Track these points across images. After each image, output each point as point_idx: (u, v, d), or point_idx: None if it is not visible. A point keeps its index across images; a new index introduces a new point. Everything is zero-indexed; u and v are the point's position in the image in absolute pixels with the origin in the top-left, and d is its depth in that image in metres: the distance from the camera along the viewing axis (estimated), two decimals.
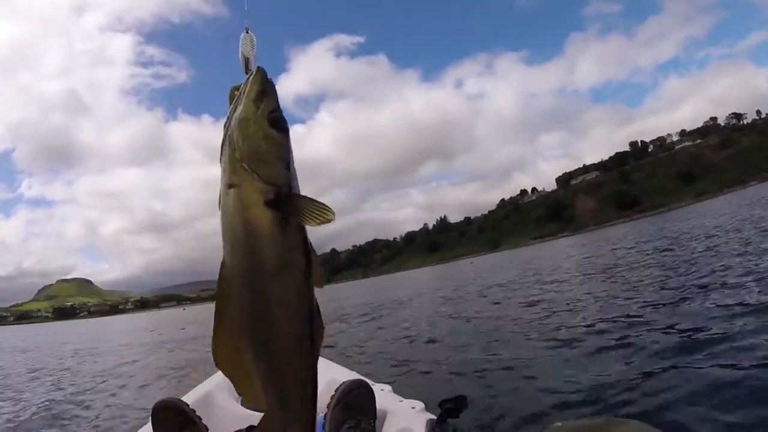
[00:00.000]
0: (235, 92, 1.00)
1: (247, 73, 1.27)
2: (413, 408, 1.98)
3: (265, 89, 0.97)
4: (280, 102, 1.08)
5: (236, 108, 0.96)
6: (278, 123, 0.96)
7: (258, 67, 1.02)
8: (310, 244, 0.99)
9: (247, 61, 1.42)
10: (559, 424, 0.78)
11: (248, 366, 0.96)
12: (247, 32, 1.43)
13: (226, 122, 0.97)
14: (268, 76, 1.01)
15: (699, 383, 3.48)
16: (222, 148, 0.97)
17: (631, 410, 3.35)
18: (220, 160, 0.97)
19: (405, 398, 2.10)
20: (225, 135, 0.96)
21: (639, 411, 3.28)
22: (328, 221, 0.92)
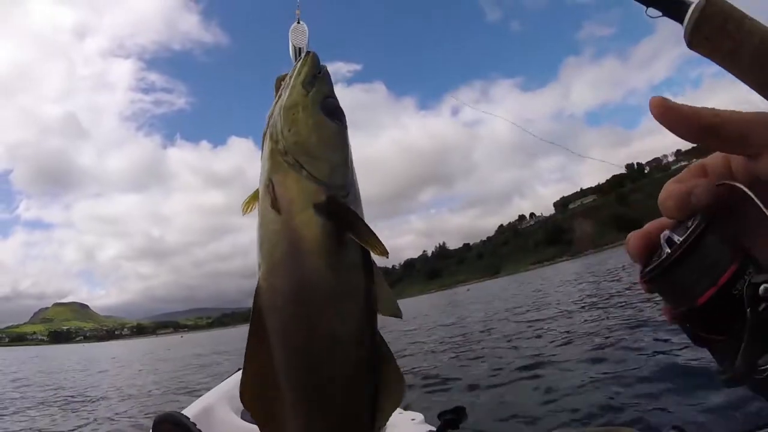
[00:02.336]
0: (282, 82, 0.80)
1: None
2: (413, 420, 1.97)
3: (319, 73, 0.79)
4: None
5: (281, 96, 0.76)
6: (335, 111, 0.77)
7: (309, 51, 0.84)
8: (374, 263, 0.73)
9: (298, 52, 1.20)
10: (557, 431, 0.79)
11: (285, 414, 0.71)
12: (298, 22, 1.27)
13: (269, 114, 0.77)
14: (321, 62, 0.81)
15: (693, 399, 3.50)
16: (263, 142, 0.76)
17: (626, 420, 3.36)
18: (261, 157, 0.76)
19: (405, 410, 2.10)
20: (266, 127, 0.76)
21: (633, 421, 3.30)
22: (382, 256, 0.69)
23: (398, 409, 2.07)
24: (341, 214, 0.69)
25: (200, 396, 2.51)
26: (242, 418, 2.27)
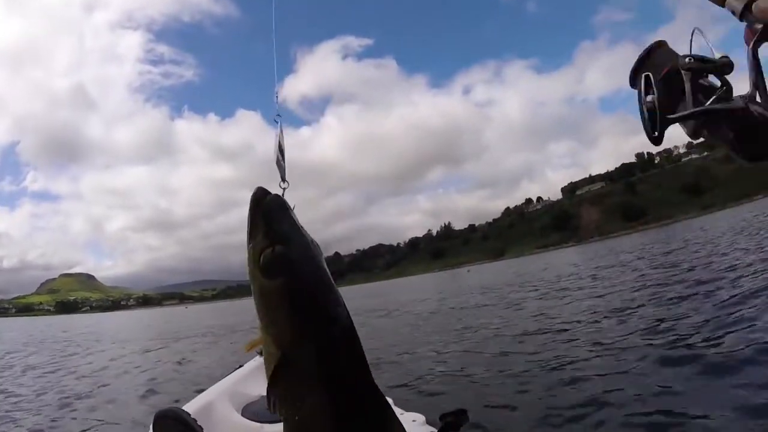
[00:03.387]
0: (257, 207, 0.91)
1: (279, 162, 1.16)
2: (414, 421, 1.97)
3: (256, 221, 0.89)
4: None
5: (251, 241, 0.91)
6: (270, 267, 0.85)
7: (255, 193, 0.91)
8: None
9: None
10: None
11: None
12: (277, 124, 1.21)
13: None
14: (262, 197, 0.90)
15: (692, 396, 3.51)
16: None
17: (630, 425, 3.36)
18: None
19: (406, 411, 2.09)
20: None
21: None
22: None
23: (399, 410, 2.06)
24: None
25: (201, 392, 2.52)
26: (242, 414, 2.27)
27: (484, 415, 4.00)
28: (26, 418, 6.33)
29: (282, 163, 1.15)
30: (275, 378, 0.84)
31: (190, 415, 1.80)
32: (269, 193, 0.92)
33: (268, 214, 0.87)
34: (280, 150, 1.17)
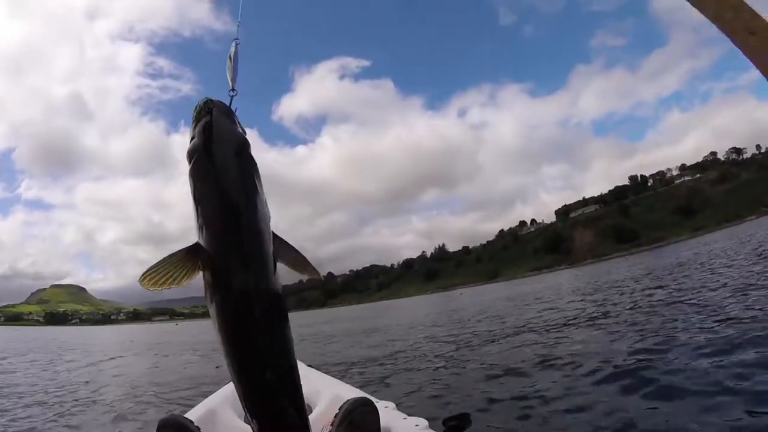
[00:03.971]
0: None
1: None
2: (417, 425, 1.97)
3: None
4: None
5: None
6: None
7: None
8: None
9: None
10: None
11: None
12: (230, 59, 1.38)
13: None
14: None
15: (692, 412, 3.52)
16: None
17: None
18: None
19: (409, 416, 2.09)
20: None
21: None
22: None
23: (402, 415, 2.07)
24: None
25: (203, 399, 2.52)
26: (245, 421, 2.28)
27: (489, 420, 3.99)
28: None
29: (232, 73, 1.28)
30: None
31: (193, 422, 1.81)
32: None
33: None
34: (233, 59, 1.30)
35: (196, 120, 1.02)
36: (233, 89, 1.21)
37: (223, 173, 0.96)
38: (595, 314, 10.47)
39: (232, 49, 1.30)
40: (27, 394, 8.82)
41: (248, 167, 1.01)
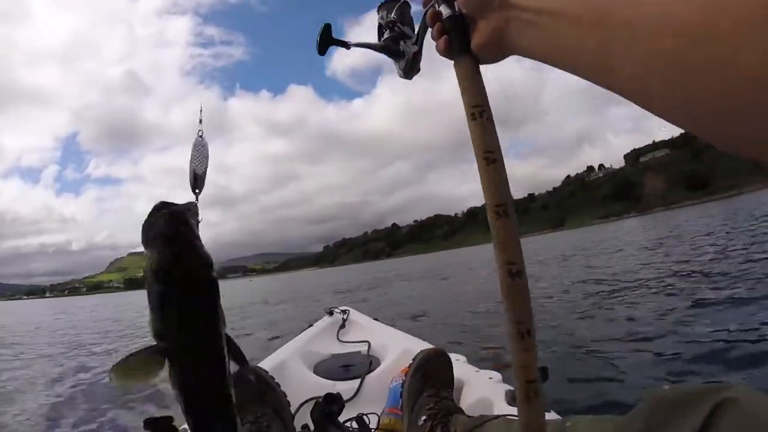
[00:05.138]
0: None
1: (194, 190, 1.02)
2: (490, 378, 1.91)
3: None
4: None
5: None
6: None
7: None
8: None
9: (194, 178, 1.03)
10: (666, 387, 0.72)
11: None
12: (200, 137, 1.10)
13: None
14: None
15: None
16: None
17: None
18: None
19: (481, 369, 2.03)
20: None
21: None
22: None
23: (474, 368, 2.01)
24: None
25: (274, 351, 2.56)
26: (314, 372, 2.30)
27: (568, 372, 3.89)
28: None
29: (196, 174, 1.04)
30: None
31: (267, 372, 1.82)
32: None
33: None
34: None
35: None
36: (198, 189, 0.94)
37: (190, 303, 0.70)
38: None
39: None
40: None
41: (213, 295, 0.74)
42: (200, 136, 1.09)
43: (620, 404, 3.12)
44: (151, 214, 0.69)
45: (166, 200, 0.70)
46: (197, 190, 0.99)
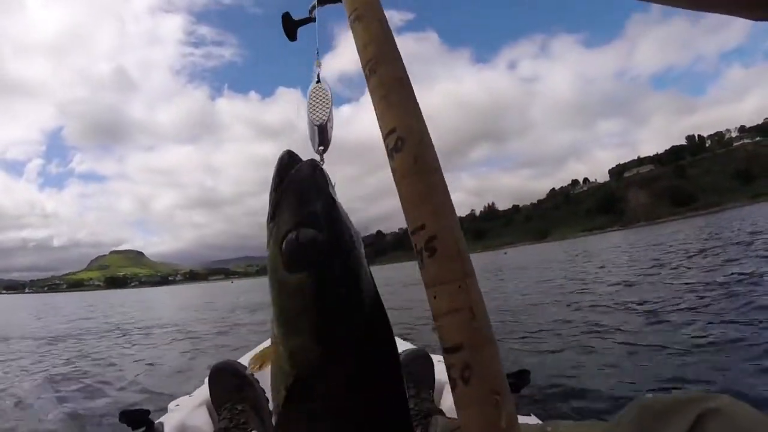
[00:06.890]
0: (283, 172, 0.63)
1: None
2: None
3: (281, 194, 0.61)
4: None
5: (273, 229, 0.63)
6: (294, 257, 0.58)
7: (281, 159, 0.63)
8: None
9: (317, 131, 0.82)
10: (650, 396, 0.72)
11: None
12: (318, 82, 0.88)
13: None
14: (291, 163, 0.62)
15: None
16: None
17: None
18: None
19: None
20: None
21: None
22: None
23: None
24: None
25: (255, 347, 2.54)
26: None
27: (549, 377, 3.91)
28: None
29: (319, 126, 0.82)
30: (285, 409, 0.60)
31: (246, 367, 1.80)
32: (300, 159, 0.63)
33: (298, 186, 0.60)
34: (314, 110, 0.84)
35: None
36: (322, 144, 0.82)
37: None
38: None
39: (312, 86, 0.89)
40: None
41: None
42: (318, 81, 0.88)
43: (601, 410, 3.14)
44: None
45: (293, 153, 0.62)
46: (321, 147, 0.80)
